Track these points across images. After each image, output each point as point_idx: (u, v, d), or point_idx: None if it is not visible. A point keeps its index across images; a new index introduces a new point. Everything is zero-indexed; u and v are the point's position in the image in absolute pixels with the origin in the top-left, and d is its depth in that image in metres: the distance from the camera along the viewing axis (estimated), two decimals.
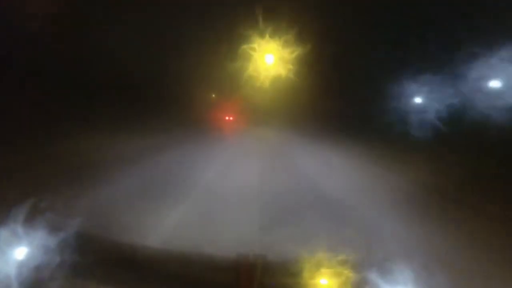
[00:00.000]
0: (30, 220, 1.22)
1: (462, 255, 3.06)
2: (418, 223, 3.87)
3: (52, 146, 7.54)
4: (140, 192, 5.33)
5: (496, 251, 3.16)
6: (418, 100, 8.16)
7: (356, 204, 4.89)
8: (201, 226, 4.01)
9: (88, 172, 5.99)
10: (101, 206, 4.24)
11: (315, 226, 3.98)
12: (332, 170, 7.23)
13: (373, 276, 0.95)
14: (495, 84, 5.86)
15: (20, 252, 1.17)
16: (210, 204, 4.98)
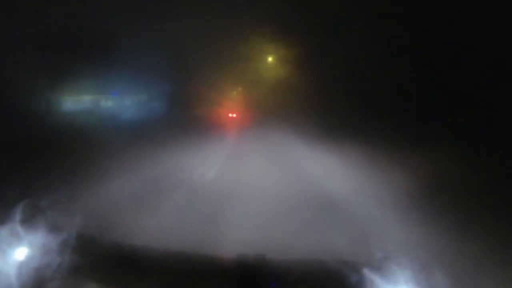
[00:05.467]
0: (30, 220, 1.22)
1: (462, 254, 3.05)
2: (418, 223, 3.86)
3: (53, 146, 7.53)
4: (140, 192, 5.32)
5: (496, 251, 3.15)
6: None
7: (356, 204, 4.88)
8: (201, 226, 4.01)
9: (88, 172, 5.98)
10: (101, 206, 4.23)
11: (315, 226, 3.98)
12: (333, 170, 7.22)
13: (373, 276, 0.95)
14: None
15: (21, 252, 1.17)
16: (211, 204, 4.97)
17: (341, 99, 12.83)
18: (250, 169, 7.63)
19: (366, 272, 0.88)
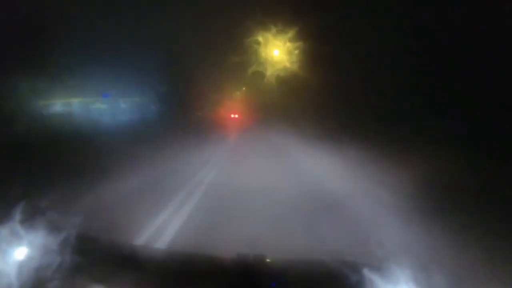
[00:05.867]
0: (30, 220, 1.22)
1: (463, 254, 3.06)
2: (418, 223, 3.87)
3: (53, 146, 7.55)
4: (140, 191, 5.34)
5: (496, 251, 3.16)
6: None
7: (356, 204, 4.89)
8: (201, 226, 4.02)
9: (89, 171, 6.00)
10: (101, 206, 4.24)
11: (315, 226, 3.98)
12: (333, 170, 7.24)
13: (373, 276, 0.95)
14: None
15: (21, 252, 1.17)
16: (210, 204, 4.99)
17: (342, 99, 12.85)
18: (250, 169, 7.64)
19: (366, 272, 0.88)
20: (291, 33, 14.66)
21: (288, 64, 15.52)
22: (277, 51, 15.91)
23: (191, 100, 20.93)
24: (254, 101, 24.44)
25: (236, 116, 25.71)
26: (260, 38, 15.15)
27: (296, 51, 14.81)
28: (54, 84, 10.74)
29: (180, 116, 17.52)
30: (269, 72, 17.36)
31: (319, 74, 13.00)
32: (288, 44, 15.07)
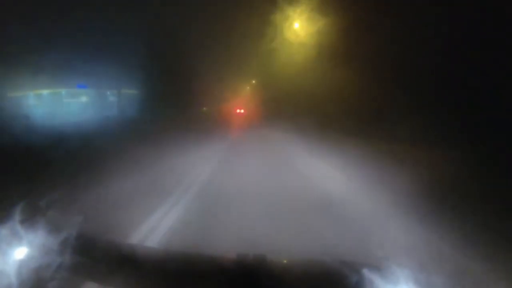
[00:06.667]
0: (30, 220, 1.22)
1: (463, 254, 3.06)
2: (418, 223, 3.87)
3: (53, 145, 7.55)
4: (140, 191, 5.33)
5: (497, 251, 3.16)
6: None
7: (356, 204, 4.89)
8: (201, 226, 4.02)
9: (89, 172, 5.99)
10: (101, 206, 4.24)
11: (315, 226, 3.98)
12: (333, 169, 7.24)
13: (373, 276, 0.95)
14: None
15: (21, 252, 1.17)
16: (211, 204, 4.98)
17: (342, 99, 12.83)
18: (251, 168, 7.63)
19: (366, 272, 0.88)
20: (306, 19, 13.96)
21: (302, 56, 14.80)
22: (292, 37, 15.01)
23: (195, 96, 20.21)
24: (264, 96, 23.75)
25: (242, 111, 25.27)
26: (273, 23, 14.41)
27: (313, 39, 14.11)
28: (24, 73, 10.09)
29: (181, 113, 16.97)
30: (281, 64, 16.68)
31: (336, 67, 12.51)
32: (304, 32, 14.31)
